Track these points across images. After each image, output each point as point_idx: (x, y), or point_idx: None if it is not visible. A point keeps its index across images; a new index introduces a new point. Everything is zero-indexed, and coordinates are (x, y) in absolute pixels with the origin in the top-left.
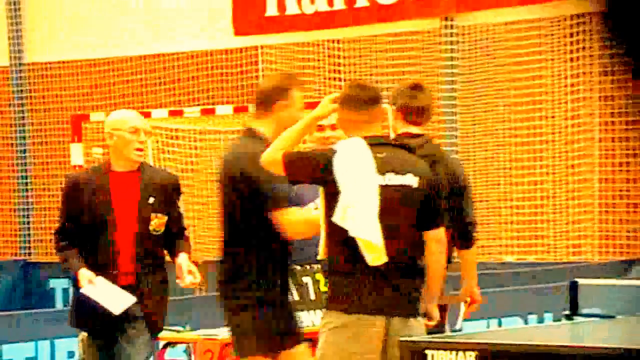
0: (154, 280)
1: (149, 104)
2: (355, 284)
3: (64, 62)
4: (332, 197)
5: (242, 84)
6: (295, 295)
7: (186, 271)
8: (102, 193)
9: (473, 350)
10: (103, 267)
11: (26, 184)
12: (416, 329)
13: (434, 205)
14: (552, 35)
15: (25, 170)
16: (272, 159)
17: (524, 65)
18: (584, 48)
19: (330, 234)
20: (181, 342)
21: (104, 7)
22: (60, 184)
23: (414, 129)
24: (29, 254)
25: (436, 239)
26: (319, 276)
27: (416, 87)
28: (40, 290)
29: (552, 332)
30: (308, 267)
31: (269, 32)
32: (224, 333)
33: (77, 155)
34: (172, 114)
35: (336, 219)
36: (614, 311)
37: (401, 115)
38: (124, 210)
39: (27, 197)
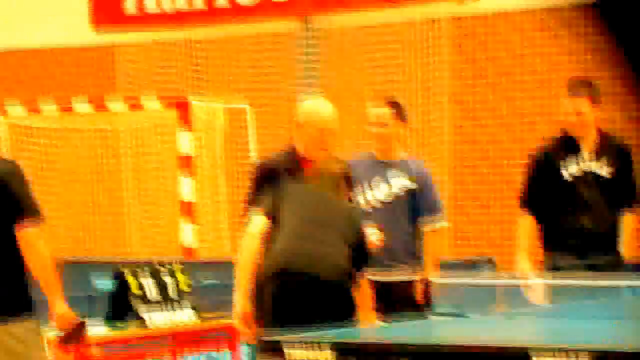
0: None
1: (5, 100)
2: None
3: None
4: None
5: (101, 82)
6: (155, 294)
7: None
8: None
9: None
10: None
11: None
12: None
13: (9, 199)
14: (406, 39)
15: None
16: None
17: (382, 68)
18: (437, 53)
19: None
20: None
21: None
22: None
23: None
24: None
25: (19, 235)
26: (179, 275)
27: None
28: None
29: (408, 329)
30: (169, 265)
31: (127, 29)
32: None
33: None
34: (29, 111)
35: None
36: (465, 309)
37: None
38: None
39: None
